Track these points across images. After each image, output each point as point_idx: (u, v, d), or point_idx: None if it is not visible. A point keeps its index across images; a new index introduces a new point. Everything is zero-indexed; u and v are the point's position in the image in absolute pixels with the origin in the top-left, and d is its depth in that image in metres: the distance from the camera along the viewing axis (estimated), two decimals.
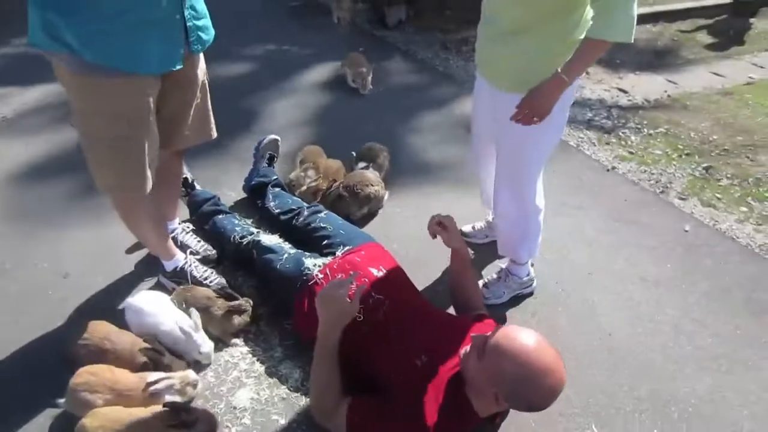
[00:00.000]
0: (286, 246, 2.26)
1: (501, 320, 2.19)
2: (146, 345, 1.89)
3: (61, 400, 1.80)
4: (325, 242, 2.25)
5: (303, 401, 1.89)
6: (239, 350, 2.07)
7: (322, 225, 2.34)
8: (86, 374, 1.78)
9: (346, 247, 2.18)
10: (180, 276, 2.25)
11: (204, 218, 2.56)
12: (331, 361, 1.77)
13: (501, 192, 2.14)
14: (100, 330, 1.92)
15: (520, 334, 1.61)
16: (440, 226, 2.02)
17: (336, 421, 1.74)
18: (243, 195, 2.86)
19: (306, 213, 2.45)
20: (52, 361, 1.98)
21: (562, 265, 2.48)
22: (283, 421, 1.83)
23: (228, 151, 3.19)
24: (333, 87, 4.07)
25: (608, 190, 3.04)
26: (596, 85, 4.40)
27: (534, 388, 1.55)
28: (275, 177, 2.77)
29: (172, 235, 2.38)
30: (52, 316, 2.17)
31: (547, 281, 2.38)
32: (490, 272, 2.42)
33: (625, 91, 4.31)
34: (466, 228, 2.63)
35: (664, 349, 2.13)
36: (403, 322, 1.88)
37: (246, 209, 2.74)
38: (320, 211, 2.45)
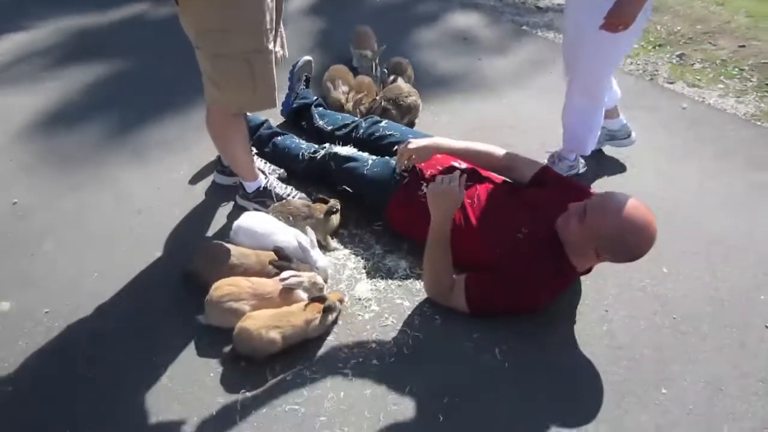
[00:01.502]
0: (365, 154, 2.40)
1: None
2: (271, 257, 2.03)
3: (200, 316, 1.91)
4: (396, 147, 2.38)
5: (418, 285, 2.10)
6: (341, 253, 2.24)
7: (387, 133, 2.48)
8: (226, 286, 1.90)
9: None
10: (263, 195, 2.34)
11: (263, 141, 2.63)
12: (445, 246, 1.98)
13: (575, 88, 2.35)
14: (223, 248, 2.03)
15: (616, 195, 1.85)
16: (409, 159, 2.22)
17: (454, 298, 1.98)
18: (280, 119, 2.93)
19: (365, 125, 2.57)
20: (172, 286, 2.08)
21: None
22: (408, 303, 2.05)
23: None
24: (318, 11, 4.09)
25: None
26: None
27: (634, 240, 1.81)
28: (316, 97, 2.86)
29: None
30: (147, 247, 2.23)
31: (588, 162, 2.67)
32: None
33: None
34: None
35: (697, 202, 2.51)
36: (498, 203, 2.11)
37: (288, 131, 2.81)
38: (380, 121, 2.57)
